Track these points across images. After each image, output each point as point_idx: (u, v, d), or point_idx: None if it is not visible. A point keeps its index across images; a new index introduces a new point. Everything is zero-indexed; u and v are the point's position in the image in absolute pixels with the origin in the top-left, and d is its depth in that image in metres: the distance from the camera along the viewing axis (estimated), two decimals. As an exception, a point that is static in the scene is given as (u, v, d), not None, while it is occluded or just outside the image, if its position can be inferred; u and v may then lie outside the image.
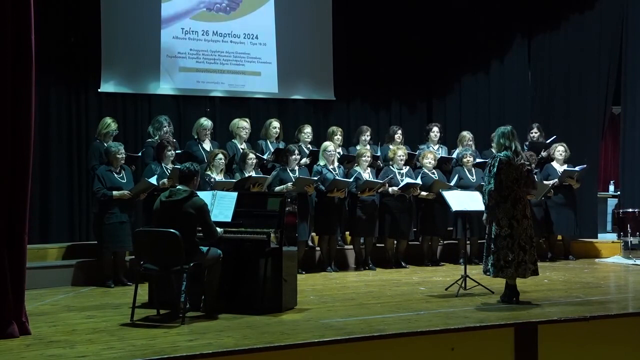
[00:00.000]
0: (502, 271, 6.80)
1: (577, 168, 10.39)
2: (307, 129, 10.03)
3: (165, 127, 9.06)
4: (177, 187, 6.31)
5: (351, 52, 12.11)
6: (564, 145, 10.51)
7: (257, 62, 11.48)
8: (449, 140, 11.27)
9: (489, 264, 6.88)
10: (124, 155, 8.33)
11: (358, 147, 9.98)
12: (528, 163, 7.06)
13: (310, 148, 9.90)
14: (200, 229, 6.23)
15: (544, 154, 10.67)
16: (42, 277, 8.00)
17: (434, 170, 9.89)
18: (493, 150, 8.71)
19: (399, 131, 10.42)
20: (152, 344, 5.15)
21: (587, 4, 11.82)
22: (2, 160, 5.30)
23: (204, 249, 6.24)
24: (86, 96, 10.38)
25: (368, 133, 10.25)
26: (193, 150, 9.22)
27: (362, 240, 9.67)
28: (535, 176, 10.15)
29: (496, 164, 6.83)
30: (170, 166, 8.47)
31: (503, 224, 6.79)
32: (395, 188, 9.45)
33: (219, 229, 6.37)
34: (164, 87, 10.87)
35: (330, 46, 11.96)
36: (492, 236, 6.86)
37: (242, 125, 9.60)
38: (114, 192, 8.10)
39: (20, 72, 5.39)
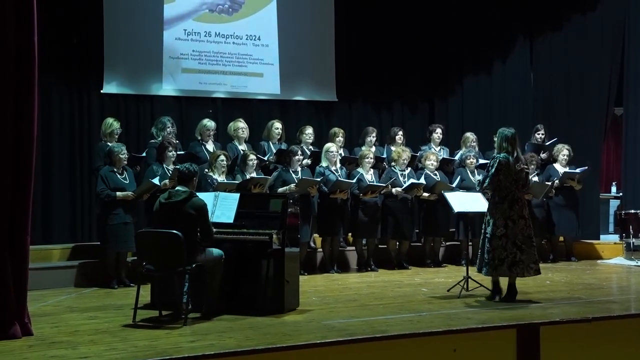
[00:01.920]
0: (496, 270, 6.97)
1: (578, 170, 10.38)
2: (309, 130, 10.02)
3: (168, 127, 9.07)
4: (177, 188, 6.32)
5: (353, 53, 12.11)
6: (569, 148, 10.49)
7: (259, 64, 11.48)
8: (451, 141, 11.28)
9: (485, 263, 7.03)
10: (126, 156, 8.34)
11: (363, 148, 9.98)
12: (527, 168, 7.18)
13: (312, 149, 9.90)
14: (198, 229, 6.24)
15: (543, 155, 10.66)
16: (45, 278, 8.01)
17: (435, 172, 9.90)
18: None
19: (400, 132, 10.43)
20: (154, 345, 5.16)
21: (588, 4, 11.81)
22: (4, 161, 5.30)
23: (207, 249, 6.26)
24: (89, 97, 10.38)
25: (374, 134, 10.26)
26: (196, 151, 9.23)
27: (364, 242, 9.68)
28: (537, 177, 10.26)
29: (495, 164, 6.94)
30: (171, 167, 8.48)
31: (499, 224, 6.93)
32: (399, 189, 9.45)
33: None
34: (167, 89, 10.88)
35: (333, 47, 11.96)
36: (488, 236, 7.00)
37: (239, 126, 9.60)
38: (118, 193, 8.11)
39: (22, 73, 5.40)
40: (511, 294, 7.06)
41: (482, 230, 7.16)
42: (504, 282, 7.23)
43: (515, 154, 7.03)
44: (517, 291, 7.07)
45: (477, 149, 10.52)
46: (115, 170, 8.22)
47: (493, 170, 6.94)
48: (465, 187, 9.55)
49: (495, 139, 7.48)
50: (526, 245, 6.97)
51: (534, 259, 7.06)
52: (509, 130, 7.16)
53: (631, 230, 10.33)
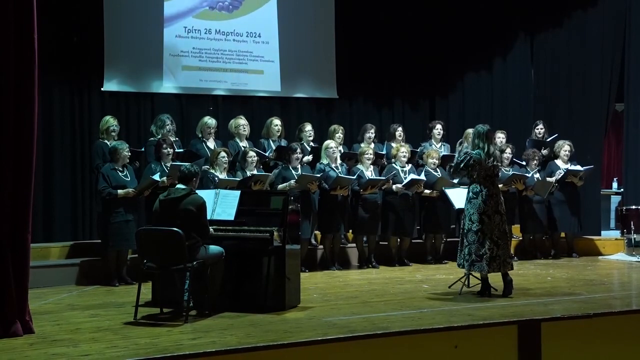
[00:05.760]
0: (474, 265, 7.08)
1: (582, 168, 10.37)
2: (308, 127, 10.01)
3: (168, 125, 9.06)
4: (177, 186, 6.33)
5: (354, 50, 12.10)
6: (570, 144, 10.49)
7: (259, 61, 11.49)
8: (452, 138, 11.27)
9: (462, 258, 7.16)
10: (129, 153, 8.34)
11: (362, 145, 9.98)
12: (499, 165, 7.41)
13: (312, 145, 9.89)
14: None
15: (544, 151, 10.66)
16: (46, 276, 8.01)
17: (437, 168, 9.89)
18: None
19: (400, 129, 10.42)
20: (155, 343, 5.16)
21: (589, 1, 11.80)
22: (5, 160, 5.30)
23: (208, 246, 6.27)
24: (89, 95, 10.39)
25: (373, 131, 10.26)
26: (197, 148, 9.22)
27: (364, 239, 9.68)
28: (539, 174, 10.27)
29: (465, 159, 7.12)
30: (169, 164, 8.44)
31: (474, 219, 7.05)
32: (400, 185, 9.44)
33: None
34: (167, 86, 10.88)
35: (333, 44, 11.96)
36: (464, 231, 7.15)
37: (239, 123, 9.60)
38: (119, 191, 8.10)
39: (23, 71, 5.39)
40: (483, 288, 7.20)
41: (461, 226, 7.36)
42: (492, 277, 7.26)
43: (486, 150, 7.12)
44: (490, 285, 7.20)
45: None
46: (116, 167, 8.21)
47: (462, 164, 7.13)
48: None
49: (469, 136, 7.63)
50: (502, 241, 7.08)
51: (510, 254, 7.27)
52: (482, 126, 7.28)
53: (632, 226, 10.31)
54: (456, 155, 7.80)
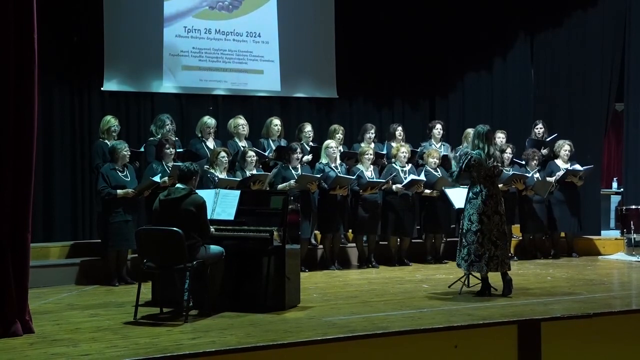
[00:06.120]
0: (473, 265, 7.11)
1: (582, 168, 10.37)
2: (308, 127, 10.01)
3: (167, 125, 9.06)
4: (177, 186, 6.33)
5: (354, 50, 12.10)
6: (570, 143, 10.49)
7: (259, 61, 11.48)
8: (452, 138, 11.27)
9: (461, 258, 7.18)
10: (128, 153, 8.34)
11: (362, 145, 9.98)
12: (500, 165, 7.40)
13: (312, 145, 9.89)
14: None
15: (544, 151, 10.66)
16: (45, 276, 8.01)
17: (437, 168, 9.89)
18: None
19: (399, 128, 10.42)
20: (155, 342, 5.16)
21: (589, 1, 11.80)
22: (5, 160, 5.30)
23: (208, 246, 6.27)
24: (89, 95, 10.38)
25: (373, 130, 10.26)
26: (197, 148, 9.22)
27: (364, 238, 9.68)
28: (539, 174, 10.26)
29: (466, 160, 7.13)
30: (171, 164, 8.45)
31: (473, 220, 7.07)
32: (400, 185, 9.44)
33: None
34: (167, 86, 10.88)
35: (333, 44, 11.95)
36: (463, 231, 7.16)
37: (239, 122, 9.61)
38: (118, 191, 8.10)
39: (23, 71, 5.39)
40: (483, 288, 7.21)
41: (459, 226, 7.38)
42: (492, 277, 7.26)
43: (486, 150, 7.14)
44: (490, 285, 7.21)
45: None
46: (116, 167, 8.21)
47: (463, 165, 7.13)
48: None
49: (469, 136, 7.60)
50: (501, 241, 7.10)
51: (508, 254, 7.31)
52: (482, 127, 7.30)
53: (632, 226, 10.31)
54: (453, 163, 7.79)
